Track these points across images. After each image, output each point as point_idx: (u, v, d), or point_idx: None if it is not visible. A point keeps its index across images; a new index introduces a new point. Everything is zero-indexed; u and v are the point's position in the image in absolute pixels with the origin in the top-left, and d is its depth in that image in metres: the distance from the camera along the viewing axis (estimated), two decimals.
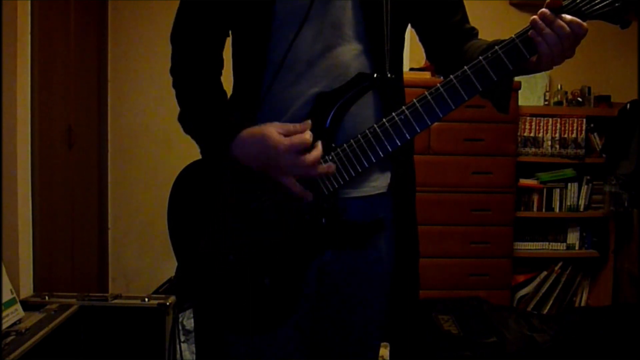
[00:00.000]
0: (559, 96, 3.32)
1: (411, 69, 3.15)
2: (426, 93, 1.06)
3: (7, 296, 1.98)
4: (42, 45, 2.41)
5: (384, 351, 2.34)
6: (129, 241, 3.28)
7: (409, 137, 1.08)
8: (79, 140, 2.83)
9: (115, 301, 2.30)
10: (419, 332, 2.61)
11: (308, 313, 1.20)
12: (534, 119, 3.18)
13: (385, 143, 1.08)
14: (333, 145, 1.11)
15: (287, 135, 1.07)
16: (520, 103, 3.13)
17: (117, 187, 3.27)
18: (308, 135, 1.07)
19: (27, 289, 2.32)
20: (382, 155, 1.09)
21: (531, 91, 3.36)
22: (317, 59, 1.13)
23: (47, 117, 2.48)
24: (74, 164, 2.80)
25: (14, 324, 1.96)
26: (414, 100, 1.07)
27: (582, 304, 3.33)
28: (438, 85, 1.06)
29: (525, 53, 1.03)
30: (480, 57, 1.04)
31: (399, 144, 1.08)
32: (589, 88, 3.33)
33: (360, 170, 1.10)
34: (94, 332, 2.25)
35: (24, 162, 2.31)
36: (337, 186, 1.11)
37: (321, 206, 1.12)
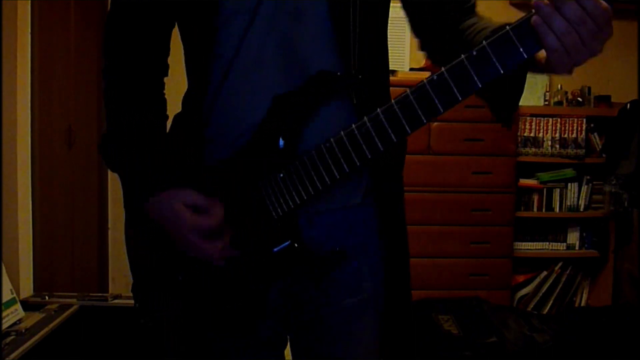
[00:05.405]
0: (559, 96, 3.32)
1: (411, 69, 3.15)
2: (393, 101, 0.85)
3: (7, 296, 1.98)
4: (42, 45, 2.41)
5: None
6: None
7: (382, 149, 0.86)
8: (79, 140, 2.82)
9: (115, 301, 2.30)
10: (414, 349, 2.58)
11: (275, 329, 1.06)
12: (534, 119, 3.18)
13: (352, 155, 0.87)
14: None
15: (196, 210, 0.93)
16: (520, 103, 3.12)
17: (117, 187, 3.20)
18: (213, 221, 0.92)
19: (27, 289, 2.32)
20: (347, 171, 0.88)
21: (531, 91, 3.35)
22: (272, 54, 0.93)
23: (47, 117, 2.48)
24: (74, 164, 2.80)
25: (14, 324, 1.96)
26: (393, 101, 0.86)
27: (582, 304, 3.33)
28: (407, 91, 0.84)
29: (521, 50, 0.79)
30: (463, 56, 0.80)
31: (370, 156, 0.87)
32: (589, 88, 3.33)
33: (320, 188, 0.90)
34: (94, 332, 2.25)
35: (24, 162, 2.31)
36: (287, 210, 0.93)
37: (270, 232, 0.94)
